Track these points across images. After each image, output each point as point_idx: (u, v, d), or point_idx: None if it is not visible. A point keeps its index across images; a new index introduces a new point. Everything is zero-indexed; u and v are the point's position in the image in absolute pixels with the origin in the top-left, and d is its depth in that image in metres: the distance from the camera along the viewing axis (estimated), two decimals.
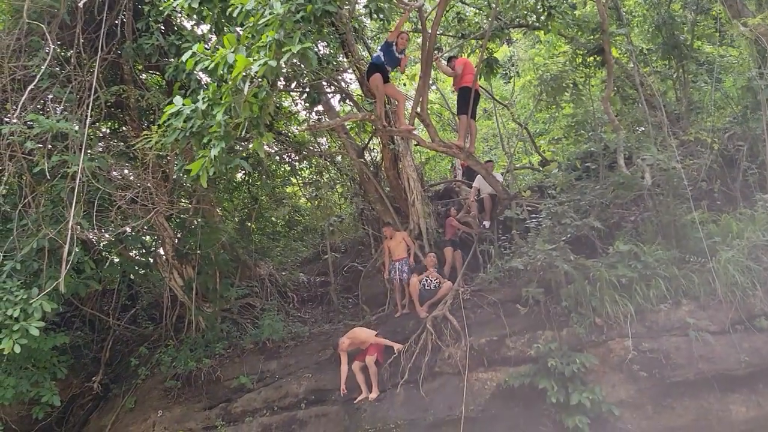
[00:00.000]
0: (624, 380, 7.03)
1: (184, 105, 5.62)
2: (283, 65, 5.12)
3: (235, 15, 5.42)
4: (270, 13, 5.02)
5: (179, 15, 8.62)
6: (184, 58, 5.63)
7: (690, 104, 11.06)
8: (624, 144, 9.45)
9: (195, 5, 5.77)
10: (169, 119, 6.87)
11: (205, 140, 5.58)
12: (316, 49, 10.29)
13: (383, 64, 8.47)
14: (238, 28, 6.27)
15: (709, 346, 6.76)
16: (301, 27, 5.12)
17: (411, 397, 8.11)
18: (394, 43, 8.42)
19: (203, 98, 5.57)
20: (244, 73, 5.05)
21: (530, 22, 11.36)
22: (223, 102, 5.38)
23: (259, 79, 5.13)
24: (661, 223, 8.13)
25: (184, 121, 6.87)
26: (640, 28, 12.40)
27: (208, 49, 6.67)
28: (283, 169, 14.24)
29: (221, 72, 5.22)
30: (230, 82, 5.22)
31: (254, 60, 4.97)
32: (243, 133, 5.62)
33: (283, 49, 5.00)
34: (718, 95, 10.33)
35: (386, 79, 8.59)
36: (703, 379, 6.74)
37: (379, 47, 8.77)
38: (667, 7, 11.27)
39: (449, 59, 10.40)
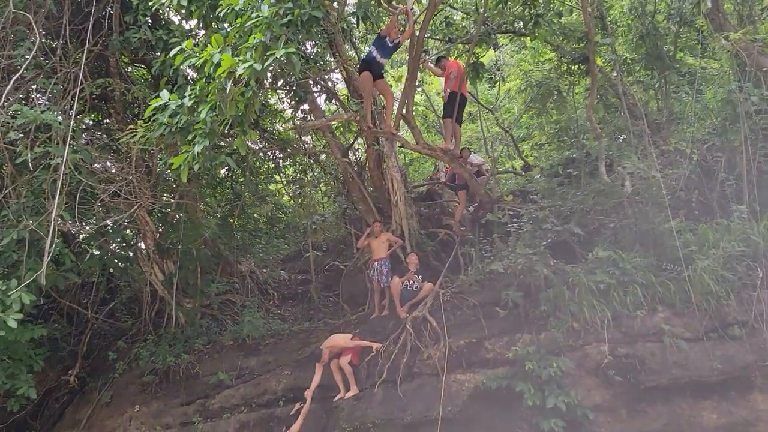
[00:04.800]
0: (599, 384, 7.15)
1: (170, 100, 5.60)
2: (270, 68, 5.13)
3: (222, 15, 5.43)
4: (257, 16, 5.04)
5: (167, 9, 8.56)
6: (172, 53, 5.62)
7: (671, 114, 11.26)
8: (605, 152, 9.62)
9: (184, 3, 5.75)
10: (154, 113, 6.88)
11: (190, 137, 5.57)
12: (302, 50, 10.30)
13: (374, 59, 8.29)
14: (225, 24, 6.27)
15: (683, 353, 6.90)
16: (288, 31, 5.14)
17: (389, 396, 8.15)
18: (387, 36, 8.19)
19: (189, 95, 5.57)
20: (229, 72, 5.07)
21: (517, 29, 11.50)
22: (209, 100, 5.38)
23: (246, 79, 5.14)
24: (640, 231, 8.29)
25: (170, 117, 6.87)
26: (624, 38, 12.59)
27: (197, 45, 6.68)
28: (267, 166, 14.21)
29: (208, 70, 5.22)
30: (216, 81, 5.22)
31: (240, 61, 4.98)
32: (227, 130, 5.63)
33: (268, 53, 5.02)
34: (698, 107, 10.53)
35: (379, 75, 8.44)
36: (676, 385, 6.88)
37: (372, 43, 8.55)
38: (651, 18, 11.47)
39: (438, 59, 10.46)
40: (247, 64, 4.90)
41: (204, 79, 5.64)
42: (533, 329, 7.79)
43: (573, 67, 11.50)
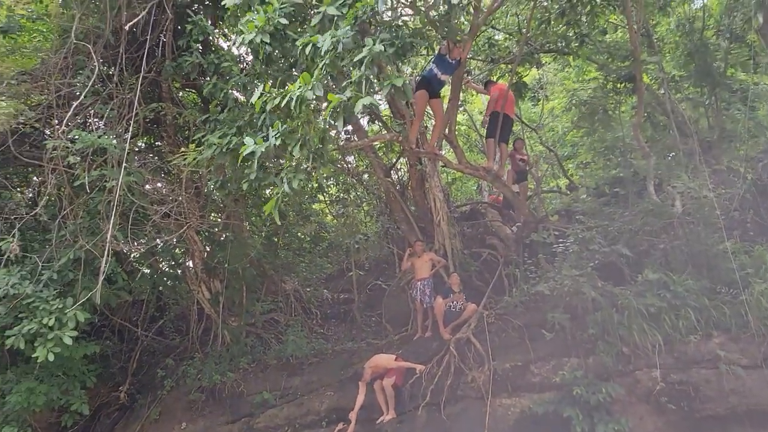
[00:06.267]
0: (651, 412, 6.93)
1: (256, 144, 5.78)
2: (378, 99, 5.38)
3: (307, 52, 5.59)
4: (368, 49, 5.21)
5: (217, 37, 8.89)
6: (252, 99, 5.84)
7: (722, 132, 10.94)
8: (654, 171, 9.39)
9: (267, 39, 5.94)
10: (204, 135, 7.07)
11: (282, 175, 5.78)
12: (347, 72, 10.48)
13: (435, 76, 8.11)
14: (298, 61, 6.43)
15: (741, 380, 6.63)
16: (394, 60, 5.38)
17: (432, 419, 8.07)
18: (447, 53, 7.97)
19: (275, 135, 5.74)
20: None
21: (560, 48, 11.42)
22: (298, 136, 5.55)
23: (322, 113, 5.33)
24: (692, 253, 8.03)
25: (220, 138, 7.09)
26: (671, 55, 12.34)
27: (243, 71, 6.82)
28: (310, 185, 14.39)
29: (293, 108, 5.38)
30: (302, 116, 5.39)
31: (346, 97, 5.18)
32: (310, 164, 5.81)
33: (385, 83, 5.27)
34: (751, 124, 10.20)
35: (436, 94, 8.32)
36: (734, 414, 6.60)
37: (431, 61, 8.41)
38: (700, 34, 11.22)
39: (486, 83, 10.48)
40: (365, 100, 5.12)
41: (283, 117, 5.81)
42: (581, 353, 7.62)
43: (619, 86, 11.32)
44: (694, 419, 6.70)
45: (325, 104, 5.21)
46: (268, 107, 5.72)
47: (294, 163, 5.74)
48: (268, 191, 13.39)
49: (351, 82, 5.31)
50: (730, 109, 11.30)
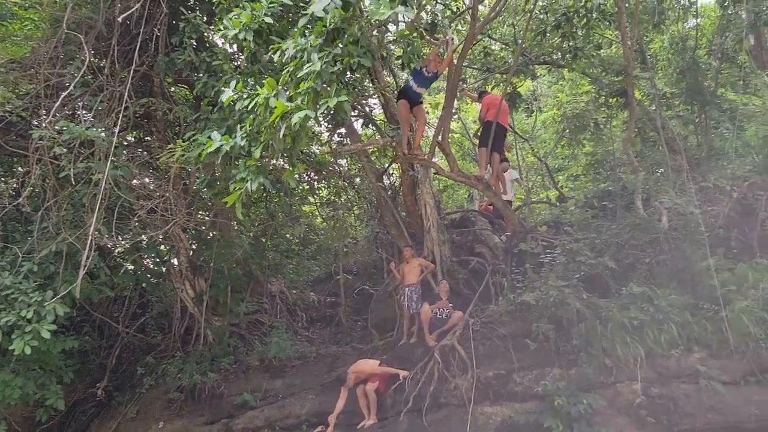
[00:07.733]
0: (631, 424, 6.92)
1: (222, 141, 5.74)
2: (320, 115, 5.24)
3: (275, 59, 5.54)
4: (309, 67, 5.13)
5: (213, 35, 8.83)
6: (222, 97, 5.80)
7: (711, 150, 11.05)
8: (642, 186, 9.46)
9: (249, 37, 5.87)
10: (194, 133, 7.01)
11: (241, 175, 5.72)
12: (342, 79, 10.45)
13: (411, 88, 8.37)
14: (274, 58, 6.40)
15: (720, 396, 6.65)
16: (337, 78, 5.26)
17: (414, 426, 8.03)
18: (424, 67, 8.20)
19: (242, 134, 5.70)
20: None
21: (555, 60, 11.49)
22: (262, 139, 5.50)
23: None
24: (676, 268, 8.08)
25: (208, 138, 7.05)
26: (663, 72, 12.48)
27: (237, 68, 6.73)
28: (301, 187, 14.34)
29: (262, 113, 5.33)
30: (268, 120, 5.34)
31: (293, 107, 5.10)
32: (276, 161, 5.74)
33: (320, 102, 5.14)
34: (739, 143, 10.31)
35: (416, 103, 8.57)
36: (712, 430, 6.62)
37: (410, 73, 8.57)
38: (692, 53, 11.34)
39: (480, 94, 10.54)
40: (302, 113, 5.00)
41: (253, 117, 5.75)
42: (564, 364, 7.62)
43: (611, 100, 11.41)
44: None
45: (294, 120, 5.14)
46: (237, 107, 5.69)
47: (258, 164, 5.69)
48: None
49: (297, 93, 5.28)
50: (719, 127, 11.43)
